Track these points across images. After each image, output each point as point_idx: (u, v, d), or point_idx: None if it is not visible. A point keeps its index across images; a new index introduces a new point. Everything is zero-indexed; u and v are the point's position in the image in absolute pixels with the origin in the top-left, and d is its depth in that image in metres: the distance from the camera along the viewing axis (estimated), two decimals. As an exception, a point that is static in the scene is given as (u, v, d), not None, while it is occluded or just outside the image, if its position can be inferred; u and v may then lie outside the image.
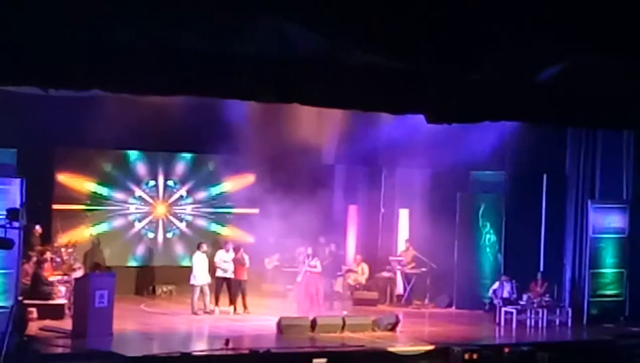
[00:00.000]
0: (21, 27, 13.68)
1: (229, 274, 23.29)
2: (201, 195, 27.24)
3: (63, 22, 13.70)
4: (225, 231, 27.18)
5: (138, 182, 26.52)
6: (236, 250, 23.63)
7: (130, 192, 26.39)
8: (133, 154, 26.34)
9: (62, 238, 23.53)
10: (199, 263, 23.08)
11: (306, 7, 14.20)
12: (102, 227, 25.87)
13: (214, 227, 27.33)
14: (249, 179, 27.16)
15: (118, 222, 26.29)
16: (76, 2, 13.51)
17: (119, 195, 26.21)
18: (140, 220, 26.65)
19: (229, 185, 27.36)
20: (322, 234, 26.71)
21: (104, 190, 25.92)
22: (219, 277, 23.26)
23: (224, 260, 23.31)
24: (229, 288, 23.35)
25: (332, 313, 22.75)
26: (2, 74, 14.74)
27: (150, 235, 26.83)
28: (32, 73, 14.74)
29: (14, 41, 13.85)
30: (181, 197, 27.07)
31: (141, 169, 26.53)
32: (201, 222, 27.28)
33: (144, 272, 26.65)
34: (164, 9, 13.84)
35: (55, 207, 24.67)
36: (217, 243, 25.32)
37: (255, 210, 27.02)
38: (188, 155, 26.90)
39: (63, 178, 25.15)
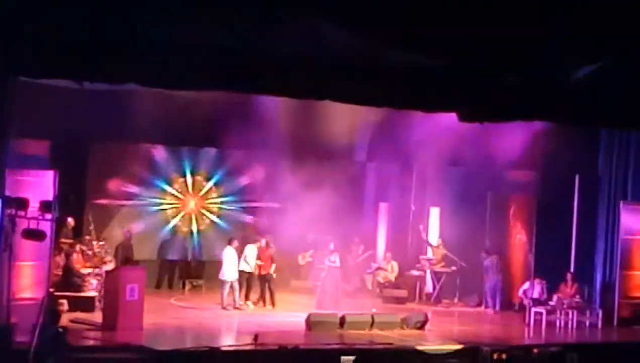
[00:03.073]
0: (57, 21, 13.78)
1: (251, 269, 23.42)
2: (231, 188, 27.34)
3: (99, 17, 13.79)
4: (256, 223, 27.30)
5: (168, 177, 26.65)
6: (267, 245, 23.87)
7: (161, 187, 26.53)
8: (162, 149, 26.39)
9: (94, 231, 23.67)
10: (229, 258, 23.17)
11: (340, 5, 14.23)
12: (135, 222, 26.00)
13: (247, 219, 27.44)
14: (279, 173, 27.19)
15: (150, 217, 26.44)
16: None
17: (150, 190, 26.36)
18: (173, 216, 26.81)
19: (259, 179, 27.40)
20: (353, 231, 26.81)
21: (135, 186, 26.06)
22: (242, 271, 23.40)
23: (249, 255, 23.45)
24: (248, 283, 23.47)
25: (360, 310, 22.75)
26: (38, 67, 14.87)
27: (184, 229, 27.01)
28: (67, 66, 14.84)
29: (50, 34, 13.95)
30: (211, 190, 27.21)
31: (170, 163, 26.66)
32: (234, 215, 27.41)
33: (174, 266, 26.81)
34: (199, 5, 13.90)
35: (87, 200, 24.83)
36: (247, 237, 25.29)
37: (285, 205, 27.09)
38: (216, 149, 26.84)
39: (95, 172, 25.29)
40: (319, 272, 24.78)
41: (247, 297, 23.51)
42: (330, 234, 24.88)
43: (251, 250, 23.56)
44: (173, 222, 26.88)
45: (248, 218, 27.59)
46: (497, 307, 24.95)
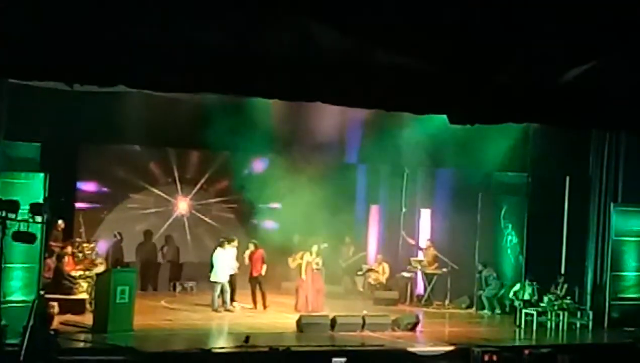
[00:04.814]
0: (46, 23, 13.75)
1: (232, 271, 23.38)
2: (220, 189, 27.31)
3: (88, 18, 13.76)
4: (246, 225, 27.31)
5: (158, 179, 26.63)
6: (256, 246, 23.88)
7: (151, 190, 26.52)
8: (151, 151, 26.32)
9: (84, 234, 23.63)
10: (220, 260, 23.14)
11: (330, 6, 14.20)
12: (125, 224, 25.95)
13: (236, 221, 27.42)
14: (270, 174, 27.15)
15: (141, 220, 26.41)
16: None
17: (140, 193, 26.34)
18: (164, 218, 26.79)
19: (248, 180, 27.34)
20: (344, 233, 26.80)
21: (125, 188, 26.03)
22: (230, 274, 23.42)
23: (229, 256, 23.43)
24: (232, 285, 23.42)
25: (351, 312, 22.72)
26: (27, 69, 14.82)
27: (177, 231, 27.00)
28: (57, 68, 14.79)
29: (39, 37, 13.91)
30: (200, 191, 27.18)
31: (159, 165, 26.62)
32: (223, 216, 27.38)
33: (165, 268, 26.79)
34: (188, 8, 13.87)
35: (77, 202, 24.79)
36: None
37: (275, 207, 27.10)
38: (205, 150, 26.65)
39: (86, 174, 25.26)
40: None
41: (232, 299, 23.42)
42: (320, 236, 24.84)
43: (234, 252, 23.50)
44: (165, 225, 26.85)
45: (237, 219, 27.53)
46: (498, 310, 24.99)
